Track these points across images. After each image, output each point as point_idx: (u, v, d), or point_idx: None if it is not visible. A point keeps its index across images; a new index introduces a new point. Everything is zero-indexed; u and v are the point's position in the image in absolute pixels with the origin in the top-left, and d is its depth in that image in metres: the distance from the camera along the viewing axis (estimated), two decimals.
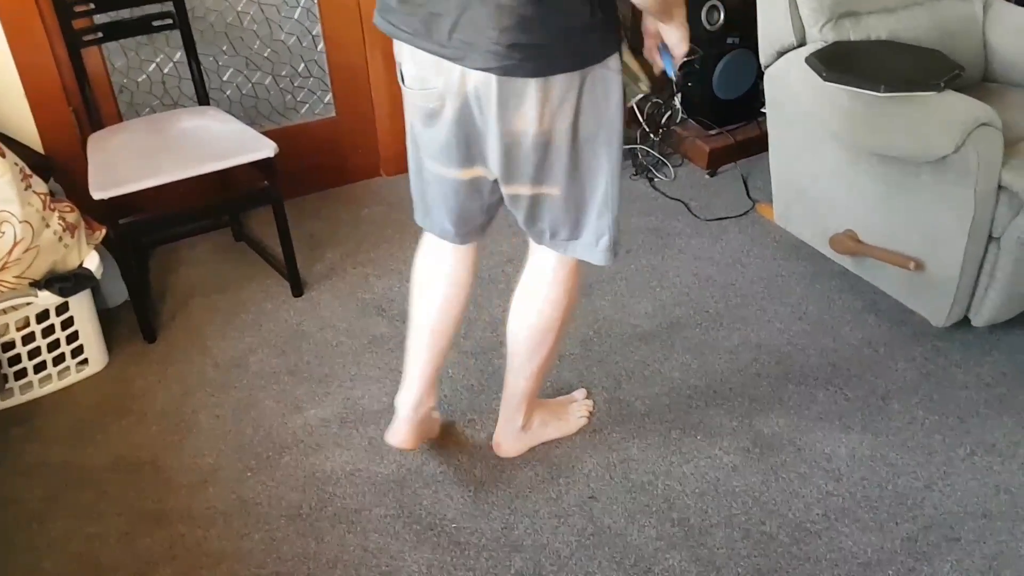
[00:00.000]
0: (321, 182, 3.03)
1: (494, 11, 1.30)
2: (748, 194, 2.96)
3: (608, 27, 1.39)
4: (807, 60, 2.19)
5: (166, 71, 2.64)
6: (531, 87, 1.37)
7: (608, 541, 1.80)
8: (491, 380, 2.20)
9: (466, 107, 1.44)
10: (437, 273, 1.81)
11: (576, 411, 2.08)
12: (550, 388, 2.17)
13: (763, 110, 2.55)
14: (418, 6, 1.38)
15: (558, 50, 1.35)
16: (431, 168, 1.61)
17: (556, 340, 1.80)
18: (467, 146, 1.52)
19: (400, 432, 1.91)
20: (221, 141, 2.29)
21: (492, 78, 1.37)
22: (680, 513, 1.85)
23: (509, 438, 1.98)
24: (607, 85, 1.44)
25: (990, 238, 2.08)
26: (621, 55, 1.47)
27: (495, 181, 1.57)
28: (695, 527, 1.82)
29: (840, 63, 2.15)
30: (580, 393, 2.14)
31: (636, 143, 3.17)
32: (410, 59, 1.46)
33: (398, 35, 1.45)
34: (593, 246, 1.63)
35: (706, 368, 2.23)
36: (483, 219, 1.71)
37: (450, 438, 2.04)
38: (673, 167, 3.12)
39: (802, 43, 2.35)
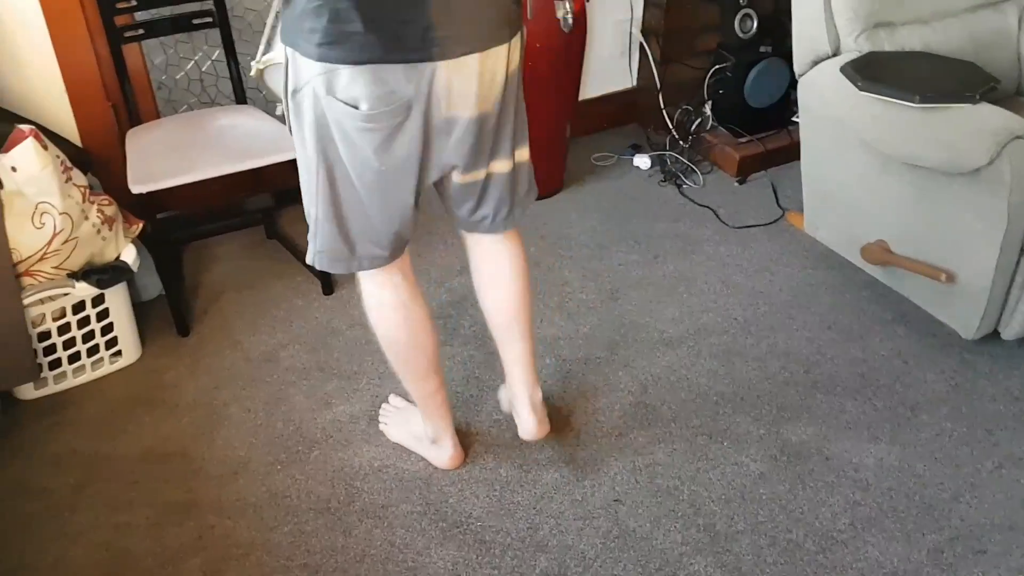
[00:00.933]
0: None
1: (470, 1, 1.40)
2: (778, 202, 2.96)
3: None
4: (842, 69, 2.20)
5: (204, 69, 2.68)
6: (502, 51, 1.47)
7: (633, 544, 1.81)
8: None
9: (430, 109, 1.45)
10: (404, 301, 1.75)
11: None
12: (563, 392, 2.18)
13: (794, 119, 2.56)
14: (386, 21, 1.35)
15: (499, 17, 1.47)
16: (377, 196, 1.55)
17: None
18: (426, 153, 1.51)
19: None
20: (256, 139, 2.31)
21: (474, 58, 1.43)
22: (706, 519, 1.86)
23: (541, 411, 1.92)
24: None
25: (1022, 251, 2.07)
26: None
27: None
28: (721, 533, 1.82)
29: (875, 73, 2.15)
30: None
31: (665, 149, 3.17)
32: (371, 83, 1.39)
33: (359, 60, 1.37)
34: (524, 207, 1.73)
35: (733, 375, 2.23)
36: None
37: (475, 438, 2.06)
38: (702, 174, 3.13)
39: (837, 52, 2.35)
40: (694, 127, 3.19)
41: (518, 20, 1.51)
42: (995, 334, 2.21)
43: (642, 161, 3.19)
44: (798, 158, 2.58)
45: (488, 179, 1.63)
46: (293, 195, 1.68)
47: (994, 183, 1.97)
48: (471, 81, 1.45)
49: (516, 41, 1.52)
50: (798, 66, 2.45)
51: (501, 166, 1.62)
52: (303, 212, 1.63)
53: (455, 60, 1.41)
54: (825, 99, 2.32)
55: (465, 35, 1.41)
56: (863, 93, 2.13)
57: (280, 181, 2.41)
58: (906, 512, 1.86)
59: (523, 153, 1.67)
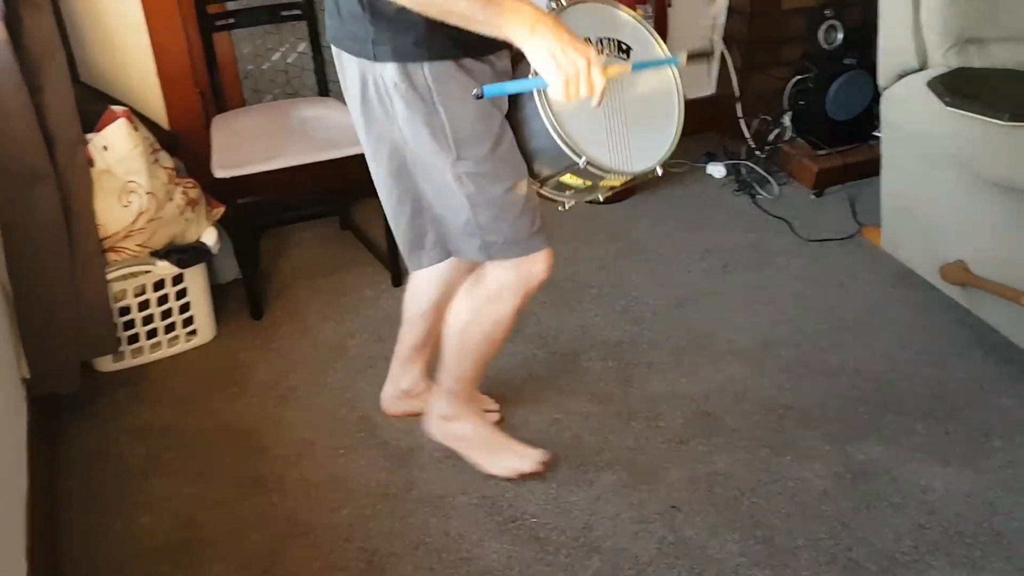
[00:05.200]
0: None
1: None
2: (855, 217, 2.90)
3: (382, 31, 1.37)
4: (929, 84, 2.15)
5: (289, 61, 2.75)
6: (334, 52, 1.51)
7: (689, 552, 1.79)
8: (577, 382, 2.21)
9: None
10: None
11: (509, 462, 1.96)
12: (624, 396, 2.17)
13: (876, 133, 2.50)
14: None
15: (335, 24, 1.46)
16: None
17: (461, 351, 1.81)
18: None
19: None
20: (337, 131, 2.36)
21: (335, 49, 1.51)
22: (765, 532, 1.83)
23: (431, 420, 2.00)
24: (388, 94, 1.44)
25: None
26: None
27: None
28: (779, 547, 1.80)
29: (963, 89, 2.09)
30: (540, 454, 1.96)
31: (741, 159, 3.14)
32: None
33: None
34: (416, 246, 1.71)
35: (801, 389, 2.19)
36: None
37: (536, 434, 2.06)
38: (778, 185, 3.08)
39: (924, 67, 2.29)
40: (772, 137, 3.15)
41: (360, 48, 1.42)
42: None
43: (716, 170, 3.16)
44: (877, 173, 2.52)
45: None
46: (368, 188, 1.71)
47: None
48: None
49: (352, 68, 1.48)
50: (883, 79, 2.40)
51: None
52: (377, 205, 1.66)
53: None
54: (909, 114, 2.27)
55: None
56: (949, 109, 2.07)
57: (357, 174, 2.46)
58: (973, 539, 1.81)
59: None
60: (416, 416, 2.04)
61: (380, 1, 1.34)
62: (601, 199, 1.67)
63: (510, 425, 2.09)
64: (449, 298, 1.81)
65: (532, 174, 1.55)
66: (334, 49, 1.52)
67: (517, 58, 1.48)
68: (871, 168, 2.77)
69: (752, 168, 3.11)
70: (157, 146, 2.23)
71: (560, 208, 1.65)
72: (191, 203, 2.24)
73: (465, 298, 1.73)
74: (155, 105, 2.55)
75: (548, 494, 1.92)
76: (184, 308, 2.30)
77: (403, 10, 1.31)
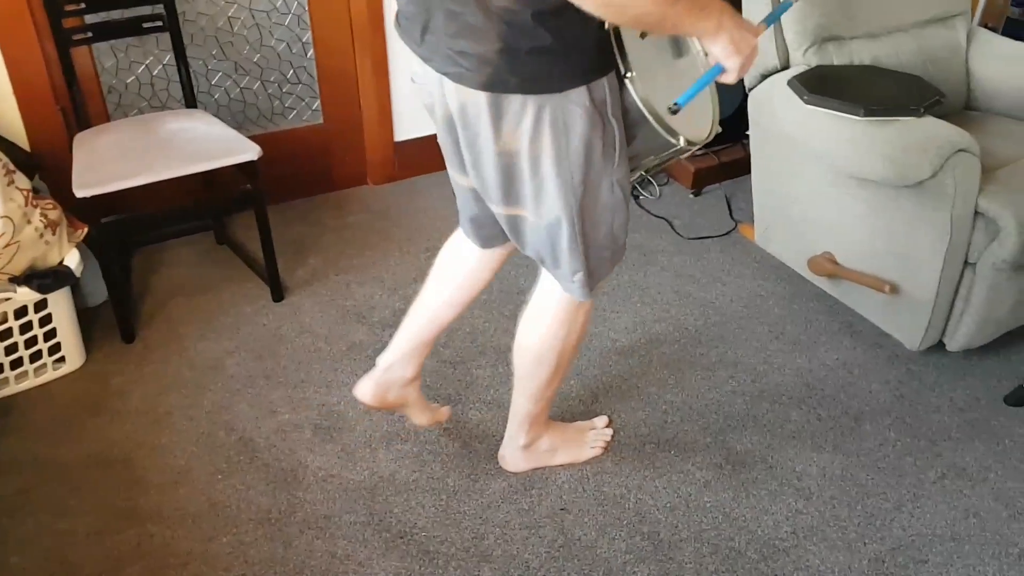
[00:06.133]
0: (307, 188, 3.04)
1: (446, 15, 1.32)
2: (731, 214, 2.98)
3: (568, 57, 1.33)
4: (789, 83, 2.22)
5: (155, 73, 2.65)
6: (483, 100, 1.36)
7: (578, 553, 1.80)
8: (468, 390, 2.20)
9: (447, 111, 1.46)
10: (459, 258, 1.86)
11: (591, 440, 2.04)
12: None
13: (748, 132, 2.57)
14: (407, 7, 1.42)
15: (504, 67, 1.32)
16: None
17: (553, 368, 1.77)
18: (455, 152, 1.54)
19: (362, 383, 1.95)
20: (206, 143, 2.29)
21: (450, 83, 1.38)
22: (651, 527, 1.86)
23: (511, 454, 1.98)
24: (568, 120, 1.39)
25: (966, 263, 2.10)
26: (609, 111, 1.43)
27: None
28: (665, 541, 1.83)
29: (822, 86, 2.17)
30: (601, 420, 2.11)
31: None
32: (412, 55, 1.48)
33: (400, 34, 1.48)
34: (569, 279, 1.61)
35: (683, 384, 2.24)
36: (497, 229, 1.69)
37: (424, 446, 2.04)
38: (659, 186, 3.15)
39: (786, 66, 2.38)
40: None
41: (541, 84, 1.34)
42: (940, 345, 2.24)
43: None
44: (751, 171, 2.60)
45: (511, 219, 1.58)
46: (244, 201, 1.65)
47: (937, 196, 2.00)
48: (455, 109, 1.43)
49: (522, 106, 1.36)
50: (748, 79, 2.47)
51: (533, 221, 1.56)
52: (254, 218, 1.61)
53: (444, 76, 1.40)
54: (774, 112, 2.34)
55: (441, 53, 1.38)
56: (809, 106, 2.15)
57: (230, 186, 2.39)
58: (848, 521, 1.88)
59: (516, 208, 1.55)
60: (359, 408, 2.04)
61: (567, 27, 1.29)
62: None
63: (397, 437, 2.06)
64: (477, 290, 1.87)
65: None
66: (484, 96, 1.36)
67: None
68: (745, 166, 2.86)
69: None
70: (12, 167, 2.12)
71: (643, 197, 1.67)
72: (51, 225, 2.14)
73: (550, 319, 1.71)
74: (13, 124, 2.43)
75: (438, 506, 1.90)
76: (50, 335, 2.19)
77: (585, 30, 1.30)
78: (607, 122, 1.42)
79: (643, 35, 1.44)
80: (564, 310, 1.68)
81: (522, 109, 1.36)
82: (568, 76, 1.35)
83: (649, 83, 1.43)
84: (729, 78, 1.39)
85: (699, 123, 1.56)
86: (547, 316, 1.71)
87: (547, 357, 1.74)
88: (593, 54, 1.36)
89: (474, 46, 1.31)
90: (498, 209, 1.54)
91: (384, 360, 1.95)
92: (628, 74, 1.40)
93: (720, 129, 1.59)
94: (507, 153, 1.43)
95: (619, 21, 1.32)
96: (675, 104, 1.39)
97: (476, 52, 1.32)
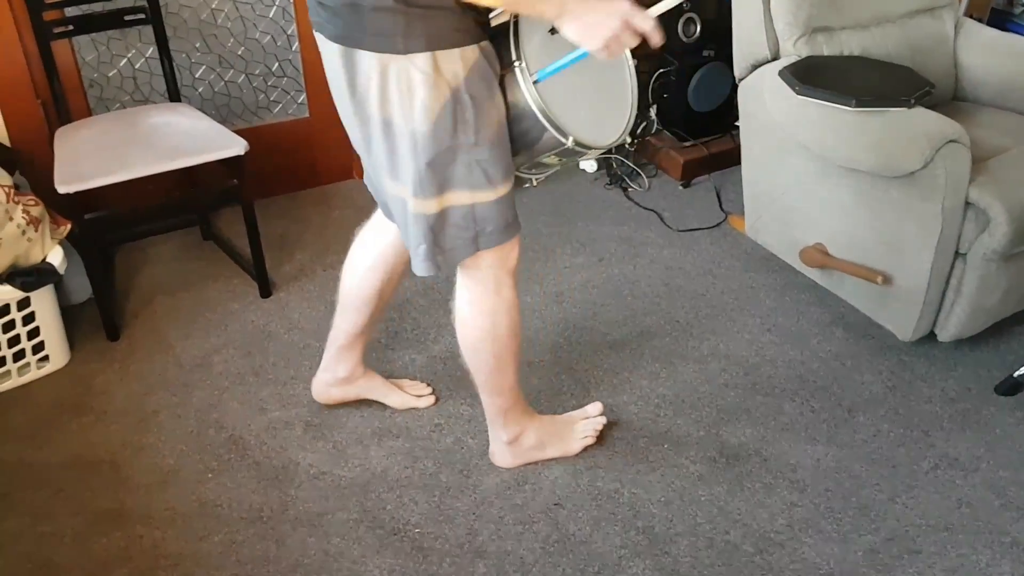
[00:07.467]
0: (292, 183, 3.01)
1: None
2: (721, 206, 2.98)
3: (413, 21, 1.34)
4: (780, 73, 2.21)
5: (137, 67, 2.61)
6: (337, 53, 1.41)
7: (572, 548, 1.79)
8: (459, 386, 2.18)
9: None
10: (363, 245, 1.89)
11: (581, 430, 2.01)
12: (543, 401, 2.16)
13: (737, 123, 2.57)
14: None
15: (351, 21, 1.36)
16: None
17: (493, 358, 1.76)
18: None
19: (313, 382, 2.09)
20: (190, 138, 2.26)
21: (318, 35, 1.45)
22: (645, 521, 1.85)
23: (498, 450, 1.97)
24: (412, 86, 1.39)
25: (956, 254, 2.10)
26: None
27: None
28: (659, 535, 1.82)
29: (813, 77, 2.16)
30: (594, 408, 2.06)
31: (611, 153, 3.17)
32: None
33: None
34: (414, 250, 1.59)
35: (675, 377, 2.23)
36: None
37: (416, 442, 2.02)
38: (647, 177, 3.13)
39: (776, 57, 2.37)
40: (639, 131, 3.19)
41: (384, 43, 1.37)
42: (931, 336, 2.24)
43: (588, 164, 3.18)
44: (740, 162, 2.59)
45: (376, 183, 1.63)
46: (230, 196, 1.64)
47: (928, 187, 2.00)
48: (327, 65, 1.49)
49: (369, 64, 1.39)
50: (738, 70, 2.46)
51: (389, 187, 1.57)
52: (240, 213, 1.59)
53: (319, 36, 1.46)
54: (764, 103, 2.34)
55: (312, 5, 1.44)
56: (800, 97, 2.14)
57: (215, 181, 2.36)
58: (842, 513, 1.87)
59: (375, 169, 1.57)
60: (351, 403, 2.04)
61: None
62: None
63: (388, 434, 2.04)
64: (394, 283, 1.84)
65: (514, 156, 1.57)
66: (338, 48, 1.41)
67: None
68: (734, 158, 2.86)
69: (623, 161, 3.15)
70: None
71: (526, 186, 1.69)
72: (33, 222, 2.10)
73: (470, 312, 1.71)
74: None
75: (431, 502, 1.88)
76: (33, 333, 2.15)
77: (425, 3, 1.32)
78: (459, 97, 1.42)
79: (553, 31, 1.44)
80: (481, 300, 1.69)
81: (370, 67, 1.39)
82: (414, 39, 1.36)
83: (551, 80, 1.44)
84: (600, 57, 1.39)
85: (605, 128, 1.56)
86: (466, 309, 1.72)
87: (481, 349, 1.75)
88: (444, 24, 1.37)
89: None
90: (365, 162, 1.58)
91: (322, 362, 2.05)
92: (517, 63, 1.41)
93: (629, 139, 1.60)
94: (362, 111, 1.45)
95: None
96: (534, 75, 1.40)
97: (330, 4, 1.38)
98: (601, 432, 2.04)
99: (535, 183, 1.73)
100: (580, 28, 1.36)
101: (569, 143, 1.46)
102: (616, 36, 1.35)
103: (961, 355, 2.32)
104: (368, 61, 1.39)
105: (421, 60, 1.37)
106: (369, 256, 1.87)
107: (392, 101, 1.41)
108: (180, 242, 2.72)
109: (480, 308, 1.70)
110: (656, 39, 1.38)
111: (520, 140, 1.53)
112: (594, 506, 1.88)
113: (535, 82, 1.41)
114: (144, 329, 2.36)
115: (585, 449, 2.01)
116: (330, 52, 1.44)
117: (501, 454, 1.96)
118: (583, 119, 1.50)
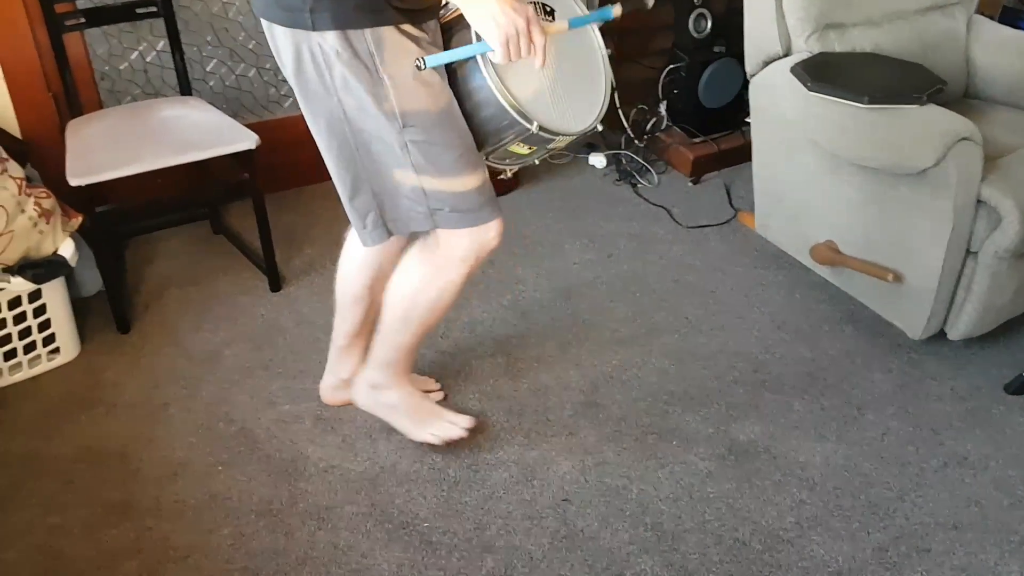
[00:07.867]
0: (302, 177, 3.01)
1: None
2: (730, 203, 2.97)
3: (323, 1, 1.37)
4: (792, 70, 2.20)
5: (149, 60, 2.62)
6: (264, 25, 1.47)
7: (581, 544, 1.79)
8: (467, 381, 2.19)
9: None
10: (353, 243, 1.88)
11: (438, 427, 1.94)
12: (514, 390, 2.16)
13: (747, 119, 2.56)
14: None
15: None
16: None
17: (413, 320, 1.77)
18: None
19: (320, 384, 2.11)
20: (202, 131, 2.26)
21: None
22: (654, 518, 1.85)
23: (360, 386, 1.97)
24: (327, 60, 1.42)
25: (968, 252, 2.09)
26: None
27: None
28: (668, 532, 1.82)
29: (825, 74, 2.16)
30: (465, 420, 1.96)
31: (620, 148, 3.17)
32: None
33: None
34: (362, 225, 1.64)
35: (684, 374, 2.23)
36: None
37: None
38: (657, 173, 3.13)
39: (788, 53, 2.36)
40: (649, 126, 3.19)
41: (296, 19, 1.40)
42: (942, 334, 2.23)
43: (597, 160, 3.18)
44: (751, 159, 2.59)
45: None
46: (240, 190, 1.65)
47: (940, 184, 1.99)
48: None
49: (284, 38, 1.44)
50: (750, 66, 2.46)
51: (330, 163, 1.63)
52: (250, 207, 1.61)
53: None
54: (775, 100, 2.33)
55: None
56: (812, 94, 2.14)
57: (226, 174, 2.36)
58: (851, 511, 1.87)
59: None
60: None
61: None
62: (536, 162, 1.71)
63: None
64: (382, 281, 1.82)
65: (479, 144, 1.56)
66: (264, 22, 1.47)
67: (445, 28, 1.53)
68: (744, 154, 2.85)
69: (632, 157, 3.15)
70: (4, 156, 2.09)
71: (502, 176, 1.69)
72: (45, 214, 2.10)
73: (413, 266, 1.72)
74: (4, 111, 2.40)
75: (439, 496, 1.89)
76: (44, 325, 2.16)
77: None
78: (376, 77, 1.43)
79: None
80: (436, 274, 1.70)
81: (285, 41, 1.43)
82: (321, 16, 1.38)
83: (526, 72, 1.45)
84: (496, 58, 1.38)
85: (576, 115, 1.55)
86: (417, 269, 1.72)
87: (410, 308, 1.76)
88: (349, 4, 1.38)
89: None
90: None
91: (327, 365, 2.07)
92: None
93: (600, 127, 1.59)
94: (291, 83, 1.50)
95: None
96: (419, 60, 1.39)
97: None
98: (608, 428, 2.04)
99: (509, 174, 1.73)
100: (487, 20, 1.33)
101: (534, 128, 1.45)
102: (518, 39, 1.33)
103: (971, 354, 2.31)
104: (282, 37, 1.45)
105: (332, 37, 1.40)
106: (359, 254, 1.87)
107: (307, 74, 1.45)
108: (190, 235, 2.72)
109: (431, 279, 1.70)
110: (541, 60, 1.36)
111: (484, 127, 1.53)
112: (602, 502, 1.88)
113: (420, 68, 1.40)
114: (154, 322, 2.37)
115: (585, 447, 2.00)
116: (264, 24, 1.50)
117: (358, 390, 1.97)
118: (552, 105, 1.50)
